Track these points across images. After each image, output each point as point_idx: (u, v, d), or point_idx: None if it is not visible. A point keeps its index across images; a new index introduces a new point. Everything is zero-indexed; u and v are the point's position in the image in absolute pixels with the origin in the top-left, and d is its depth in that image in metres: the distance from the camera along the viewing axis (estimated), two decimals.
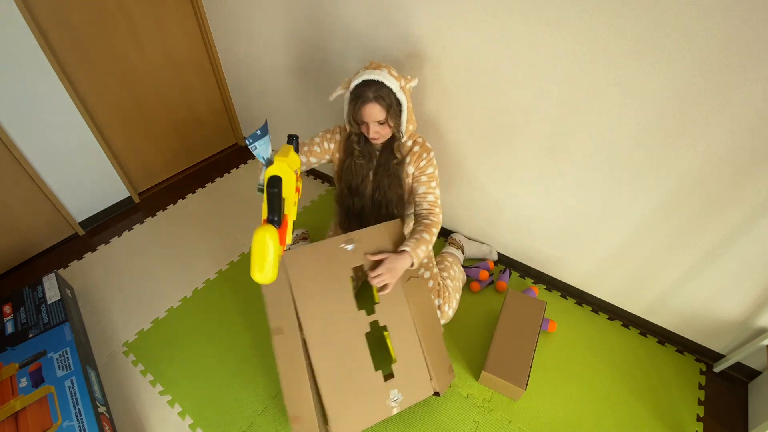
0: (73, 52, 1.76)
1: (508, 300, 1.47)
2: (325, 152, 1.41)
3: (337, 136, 1.40)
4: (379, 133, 1.26)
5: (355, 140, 1.34)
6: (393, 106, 1.22)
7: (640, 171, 1.22)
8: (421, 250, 1.28)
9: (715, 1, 0.89)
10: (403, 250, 1.26)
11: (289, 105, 2.14)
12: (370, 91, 1.18)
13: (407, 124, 1.28)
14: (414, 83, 1.25)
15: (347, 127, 1.34)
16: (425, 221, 1.36)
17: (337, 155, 1.43)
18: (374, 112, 1.20)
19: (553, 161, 1.37)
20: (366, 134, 1.28)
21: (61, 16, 1.68)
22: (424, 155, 1.35)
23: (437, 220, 1.36)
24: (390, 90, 1.19)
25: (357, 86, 1.20)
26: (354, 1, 1.48)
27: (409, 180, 1.40)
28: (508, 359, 1.34)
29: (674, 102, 1.05)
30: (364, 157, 1.37)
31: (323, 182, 2.37)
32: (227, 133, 2.64)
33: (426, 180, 1.37)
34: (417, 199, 1.39)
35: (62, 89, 1.75)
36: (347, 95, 1.24)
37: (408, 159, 1.36)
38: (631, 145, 1.19)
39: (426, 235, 1.31)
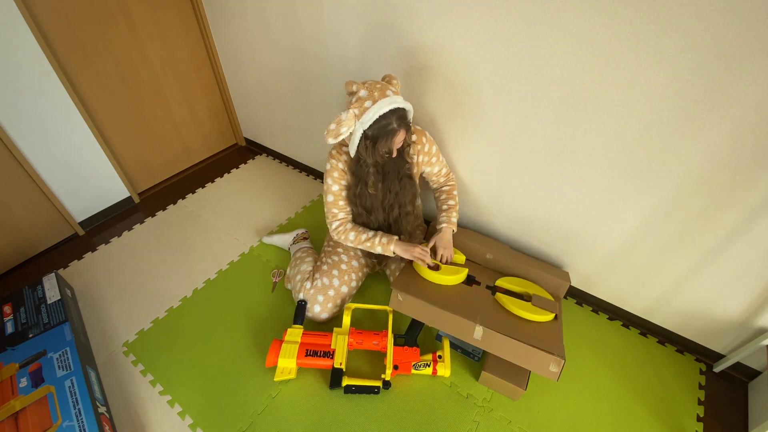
0: (73, 52, 1.76)
1: None
2: (347, 186, 1.45)
3: (340, 165, 1.39)
4: (396, 149, 1.30)
5: (372, 171, 1.34)
6: (409, 123, 1.28)
7: (640, 171, 1.22)
8: (453, 216, 1.51)
9: (714, 1, 0.90)
10: (442, 227, 1.50)
11: (289, 104, 2.14)
12: (393, 120, 1.19)
13: None
14: (399, 86, 1.29)
15: (362, 158, 1.29)
16: (445, 188, 1.57)
17: (345, 181, 1.43)
18: (402, 136, 1.25)
19: (553, 161, 1.37)
20: (391, 155, 1.30)
21: (61, 16, 1.68)
22: (423, 139, 1.42)
23: (454, 183, 1.57)
24: (405, 110, 1.23)
25: (376, 120, 1.18)
26: (353, 2, 1.48)
27: (416, 169, 1.46)
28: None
29: (674, 102, 1.05)
30: (378, 179, 1.39)
31: (323, 182, 2.36)
32: (227, 133, 2.64)
33: (435, 160, 1.48)
34: (433, 178, 1.55)
35: (62, 89, 1.75)
36: (359, 132, 1.21)
37: (411, 152, 1.40)
38: (630, 145, 1.19)
39: (451, 202, 1.53)
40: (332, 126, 1.19)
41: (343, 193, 1.45)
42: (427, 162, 1.46)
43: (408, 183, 1.44)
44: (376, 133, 1.20)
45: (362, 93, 1.19)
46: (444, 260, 1.49)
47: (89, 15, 1.76)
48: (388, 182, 1.40)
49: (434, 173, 1.51)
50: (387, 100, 1.18)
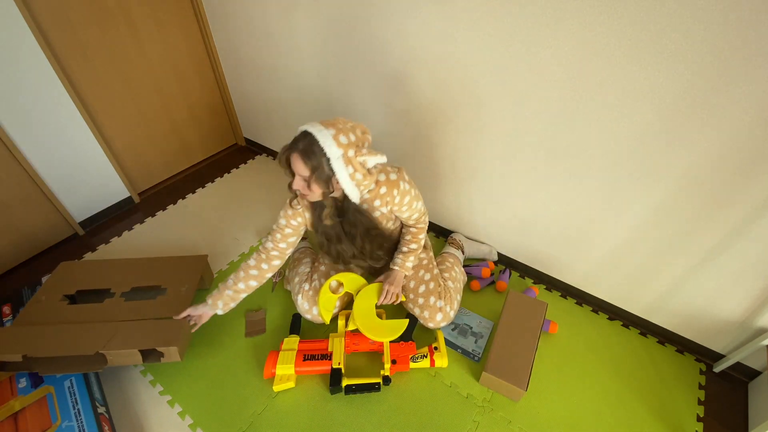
0: (73, 52, 1.76)
1: (509, 301, 1.47)
2: (299, 226, 1.35)
3: (298, 208, 1.30)
4: (301, 191, 1.14)
5: (328, 203, 1.20)
6: (322, 172, 1.08)
7: (640, 171, 1.22)
8: (409, 261, 1.43)
9: (714, 1, 0.90)
10: (395, 269, 1.43)
11: (288, 104, 2.14)
12: (302, 142, 1.07)
13: (356, 187, 1.13)
14: (377, 160, 1.14)
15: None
16: (412, 229, 1.43)
17: (307, 215, 1.33)
18: (297, 164, 1.09)
19: (553, 161, 1.37)
20: (296, 188, 1.15)
21: (61, 16, 1.68)
22: (395, 191, 1.24)
23: (423, 227, 1.44)
24: (321, 149, 1.05)
25: (299, 134, 1.09)
26: (355, 3, 1.48)
27: (384, 217, 1.32)
28: (509, 360, 1.34)
29: (674, 102, 1.05)
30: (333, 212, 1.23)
31: None
32: (227, 133, 2.64)
33: (406, 209, 1.32)
34: (402, 220, 1.40)
35: (62, 89, 1.75)
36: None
37: (377, 203, 1.25)
38: (631, 145, 1.19)
39: (413, 245, 1.43)
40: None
41: (287, 230, 1.35)
42: (397, 210, 1.31)
43: (365, 227, 1.30)
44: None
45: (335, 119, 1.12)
46: (390, 298, 1.42)
47: (89, 15, 1.76)
48: (347, 226, 1.30)
49: (403, 218, 1.37)
50: (316, 126, 1.07)
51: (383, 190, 1.23)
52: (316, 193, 1.15)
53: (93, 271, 1.60)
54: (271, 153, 2.58)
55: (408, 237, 1.44)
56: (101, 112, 1.96)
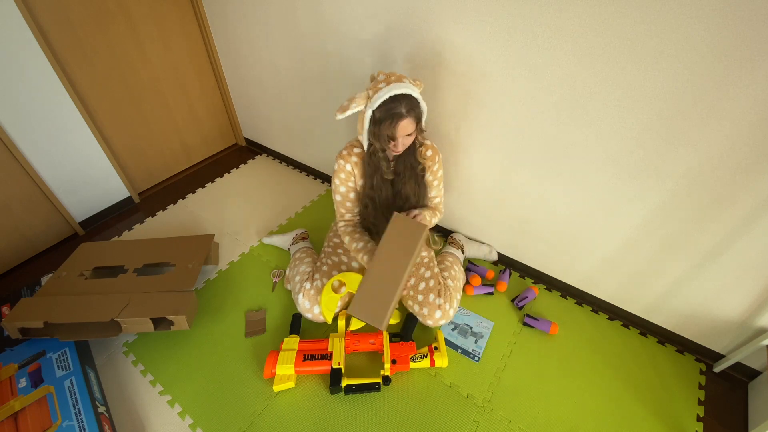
0: (73, 51, 1.76)
1: (391, 225, 1.33)
2: (354, 188, 1.42)
3: (347, 167, 1.37)
4: (405, 145, 1.25)
5: (382, 157, 1.30)
6: (420, 117, 1.23)
7: (640, 171, 1.22)
8: (427, 215, 1.46)
9: (714, 1, 0.90)
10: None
11: (289, 104, 2.14)
12: (401, 106, 1.15)
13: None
14: (422, 87, 1.26)
15: (372, 144, 1.27)
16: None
17: (360, 182, 1.41)
18: (408, 126, 1.19)
19: (553, 161, 1.37)
20: (393, 149, 1.25)
21: (61, 15, 1.68)
22: (437, 158, 1.40)
23: (440, 217, 1.55)
24: (417, 101, 1.20)
25: (385, 102, 1.15)
26: (353, 2, 1.48)
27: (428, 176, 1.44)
28: (373, 297, 1.26)
29: (674, 101, 1.06)
30: (391, 171, 1.35)
31: (323, 182, 2.37)
32: (227, 133, 2.64)
33: (437, 183, 1.46)
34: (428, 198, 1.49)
35: (62, 89, 1.75)
36: (368, 113, 1.19)
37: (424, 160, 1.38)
38: (631, 145, 1.19)
39: (429, 215, 1.47)
40: (345, 102, 1.19)
41: (351, 195, 1.43)
42: (431, 180, 1.44)
43: (418, 184, 1.41)
44: (383, 115, 1.16)
45: (380, 77, 1.20)
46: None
47: (89, 15, 1.76)
48: (398, 184, 1.38)
49: (429, 196, 1.49)
50: (400, 85, 1.15)
51: (429, 152, 1.39)
52: (410, 142, 1.26)
53: (109, 250, 1.73)
54: (271, 153, 2.58)
55: (428, 211, 1.48)
56: (101, 112, 1.96)
